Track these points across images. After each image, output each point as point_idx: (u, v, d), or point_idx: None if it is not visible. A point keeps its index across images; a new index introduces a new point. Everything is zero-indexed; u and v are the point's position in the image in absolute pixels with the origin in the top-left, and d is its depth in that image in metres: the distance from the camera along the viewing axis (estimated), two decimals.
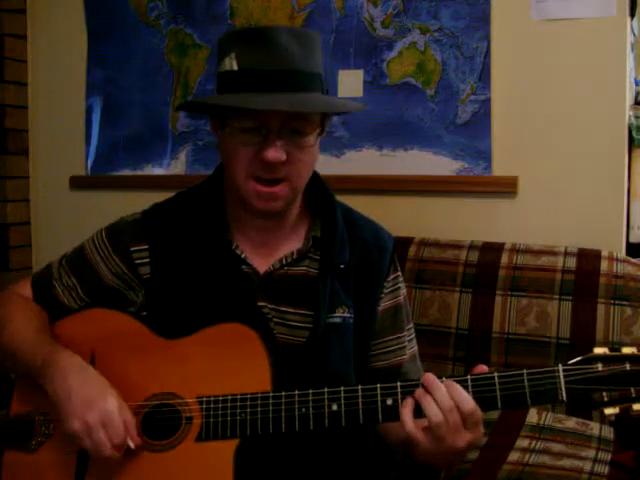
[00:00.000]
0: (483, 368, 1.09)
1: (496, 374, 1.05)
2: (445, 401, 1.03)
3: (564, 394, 1.02)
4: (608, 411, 1.01)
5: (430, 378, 1.06)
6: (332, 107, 1.28)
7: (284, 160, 1.16)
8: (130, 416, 1.13)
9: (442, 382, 1.05)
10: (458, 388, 1.04)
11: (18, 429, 1.23)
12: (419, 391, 1.06)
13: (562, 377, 1.02)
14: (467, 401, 1.03)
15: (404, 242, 1.91)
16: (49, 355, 1.18)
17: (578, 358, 1.03)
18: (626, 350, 1.02)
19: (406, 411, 1.06)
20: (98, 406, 1.10)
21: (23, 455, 1.22)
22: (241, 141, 1.17)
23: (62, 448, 1.19)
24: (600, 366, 1.02)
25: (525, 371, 1.04)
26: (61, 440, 1.19)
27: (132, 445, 1.12)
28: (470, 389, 1.05)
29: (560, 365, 1.03)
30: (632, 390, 1.00)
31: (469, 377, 1.06)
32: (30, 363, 1.20)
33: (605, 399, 1.01)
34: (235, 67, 1.15)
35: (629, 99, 1.92)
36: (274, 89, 1.13)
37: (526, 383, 1.04)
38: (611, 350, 1.03)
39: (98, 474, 1.16)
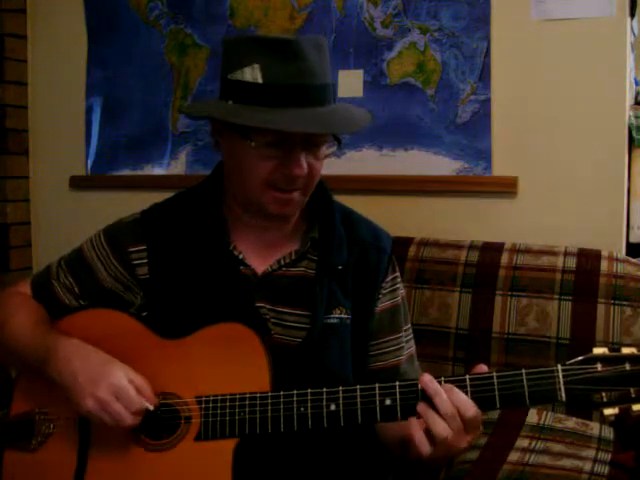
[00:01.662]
0: (482, 368, 1.09)
1: (495, 374, 1.05)
2: (447, 408, 1.03)
3: (563, 394, 1.02)
4: (607, 411, 1.00)
5: (426, 382, 1.05)
6: (362, 122, 1.25)
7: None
8: (140, 379, 1.13)
9: (441, 386, 1.05)
10: (458, 393, 1.04)
11: (19, 429, 1.23)
12: (421, 406, 1.05)
13: (561, 377, 1.02)
14: (468, 407, 1.03)
15: (404, 242, 1.91)
16: (51, 344, 1.19)
17: (577, 358, 1.03)
18: (626, 350, 1.02)
19: (419, 436, 1.05)
20: (106, 381, 1.11)
21: (24, 455, 1.22)
22: (263, 155, 1.16)
23: (63, 446, 1.19)
24: (600, 366, 1.01)
25: (524, 371, 1.04)
26: (62, 438, 1.20)
27: (150, 407, 1.12)
28: (469, 389, 1.05)
29: (559, 365, 1.03)
30: (632, 390, 0.99)
31: (467, 377, 1.06)
32: (33, 356, 1.21)
33: (604, 399, 1.00)
34: (260, 80, 1.13)
35: (629, 99, 1.91)
36: (299, 104, 1.13)
37: (525, 383, 1.03)
38: (611, 350, 1.02)
39: (98, 473, 1.16)
